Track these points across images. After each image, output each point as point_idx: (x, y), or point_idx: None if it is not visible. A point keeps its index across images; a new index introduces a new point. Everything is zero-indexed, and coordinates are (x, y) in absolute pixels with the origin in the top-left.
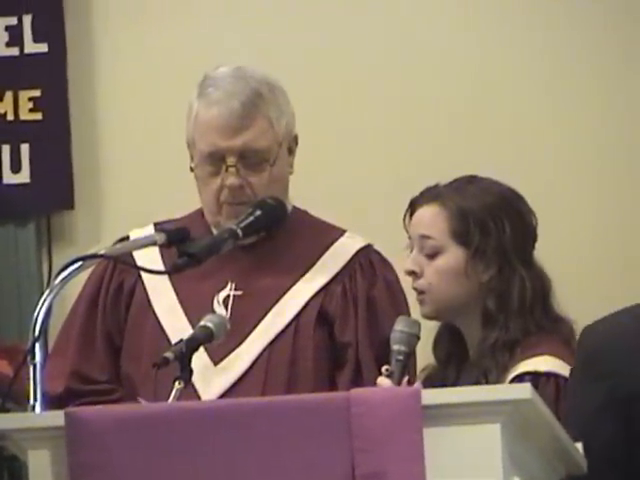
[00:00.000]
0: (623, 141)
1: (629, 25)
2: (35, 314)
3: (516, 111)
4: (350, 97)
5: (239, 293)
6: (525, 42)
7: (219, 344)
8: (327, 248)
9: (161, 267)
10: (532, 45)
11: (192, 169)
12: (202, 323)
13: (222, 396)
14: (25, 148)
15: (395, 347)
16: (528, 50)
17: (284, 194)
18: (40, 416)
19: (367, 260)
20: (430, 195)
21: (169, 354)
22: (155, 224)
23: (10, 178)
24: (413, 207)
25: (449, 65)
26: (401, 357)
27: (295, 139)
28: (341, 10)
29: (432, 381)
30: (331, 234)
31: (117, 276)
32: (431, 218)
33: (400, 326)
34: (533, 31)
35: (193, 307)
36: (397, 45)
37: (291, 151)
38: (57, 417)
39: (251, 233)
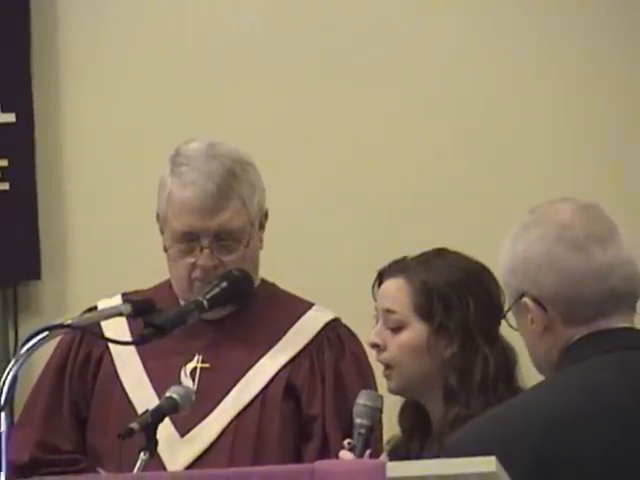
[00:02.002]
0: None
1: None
2: (1, 384)
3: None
4: (317, 159)
5: (206, 366)
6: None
7: (186, 416)
8: (295, 321)
9: (129, 338)
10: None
11: (165, 248)
12: (168, 394)
13: (188, 467)
14: None
15: (357, 421)
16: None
17: (255, 269)
18: None
19: (335, 334)
20: (397, 268)
21: (134, 425)
22: (123, 294)
23: None
24: (381, 278)
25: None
26: (363, 430)
27: (266, 214)
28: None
29: (397, 453)
30: (299, 307)
31: (85, 346)
32: (395, 292)
33: (363, 400)
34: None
35: (160, 379)
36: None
37: (262, 226)
38: None
39: (217, 304)
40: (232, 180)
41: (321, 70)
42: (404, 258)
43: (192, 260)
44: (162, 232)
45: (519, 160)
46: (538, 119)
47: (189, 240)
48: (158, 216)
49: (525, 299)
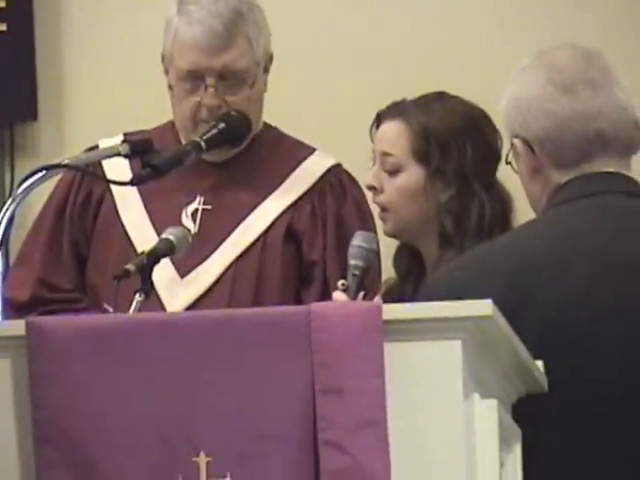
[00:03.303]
0: None
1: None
2: None
3: None
4: (323, 6)
5: (208, 207)
6: None
7: (186, 257)
8: (297, 166)
9: (129, 178)
10: None
11: (170, 87)
12: (164, 236)
13: (188, 309)
14: None
15: (352, 262)
16: None
17: (259, 113)
18: (1, 325)
19: (337, 179)
20: (396, 110)
21: (130, 266)
22: (125, 134)
23: None
24: (379, 120)
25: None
26: (357, 272)
27: (270, 58)
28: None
29: (392, 294)
30: (301, 152)
31: (85, 185)
32: (394, 135)
33: (357, 241)
34: None
35: (161, 219)
36: None
37: (266, 70)
38: (18, 326)
39: (215, 145)
40: (239, 19)
41: None
42: (403, 100)
43: (197, 99)
44: (167, 72)
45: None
46: None
47: (194, 79)
48: (163, 57)
49: (515, 140)
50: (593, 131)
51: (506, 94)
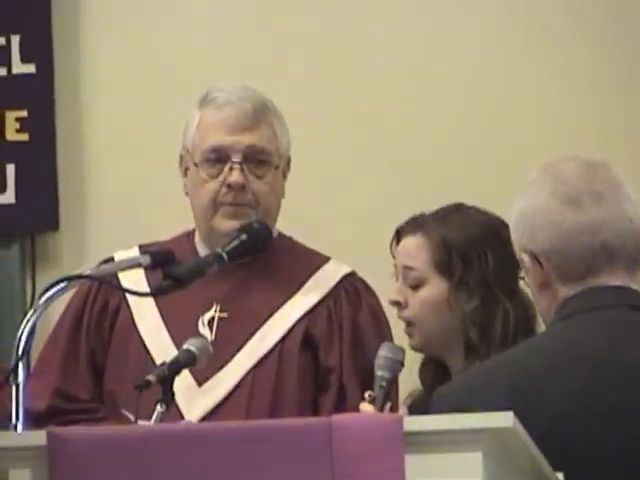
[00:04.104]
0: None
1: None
2: (19, 334)
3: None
4: (339, 118)
5: (224, 315)
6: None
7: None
8: (313, 273)
9: (146, 288)
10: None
11: (187, 192)
12: (185, 347)
13: (205, 417)
14: (11, 168)
15: (379, 373)
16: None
17: (277, 211)
18: (22, 435)
19: (352, 286)
20: (415, 224)
21: (151, 377)
22: (140, 246)
23: None
24: (399, 235)
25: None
26: (384, 383)
27: (289, 163)
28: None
29: (417, 406)
30: (317, 260)
31: (101, 296)
32: (414, 249)
33: (384, 352)
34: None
35: (178, 328)
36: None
37: (284, 175)
38: (39, 436)
39: (236, 257)
40: (266, 108)
41: (327, 20)
42: (421, 214)
43: (220, 181)
44: (185, 174)
45: (532, 113)
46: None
47: (219, 160)
48: (181, 158)
49: (523, 255)
50: (598, 242)
51: (514, 209)
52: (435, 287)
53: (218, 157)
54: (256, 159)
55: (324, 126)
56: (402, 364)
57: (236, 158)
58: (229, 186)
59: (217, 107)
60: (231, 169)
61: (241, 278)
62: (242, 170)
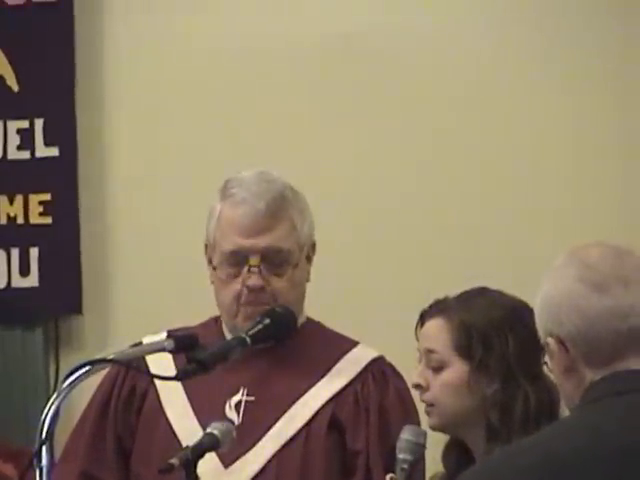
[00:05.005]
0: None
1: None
2: (42, 417)
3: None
4: (364, 194)
5: (251, 399)
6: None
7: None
8: (340, 357)
9: (173, 372)
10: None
11: (212, 280)
12: (208, 430)
13: None
14: (34, 252)
15: (400, 456)
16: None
17: (301, 300)
18: None
19: (379, 370)
20: (438, 307)
21: (174, 460)
22: (168, 331)
23: (19, 281)
24: (422, 319)
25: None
26: (406, 466)
27: (313, 247)
28: None
29: None
30: (344, 344)
31: (129, 379)
32: (436, 332)
33: (406, 435)
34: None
35: (205, 411)
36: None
37: (309, 259)
38: None
39: (259, 341)
40: (283, 202)
41: (371, 101)
42: (445, 298)
43: (240, 283)
44: (210, 262)
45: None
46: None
47: (238, 262)
48: (206, 247)
49: (549, 339)
50: (626, 327)
51: (539, 293)
52: (456, 370)
53: (236, 261)
54: (274, 259)
55: (353, 207)
56: (424, 447)
57: (254, 262)
58: (248, 287)
59: (234, 204)
60: (250, 270)
61: (269, 362)
62: (260, 271)
